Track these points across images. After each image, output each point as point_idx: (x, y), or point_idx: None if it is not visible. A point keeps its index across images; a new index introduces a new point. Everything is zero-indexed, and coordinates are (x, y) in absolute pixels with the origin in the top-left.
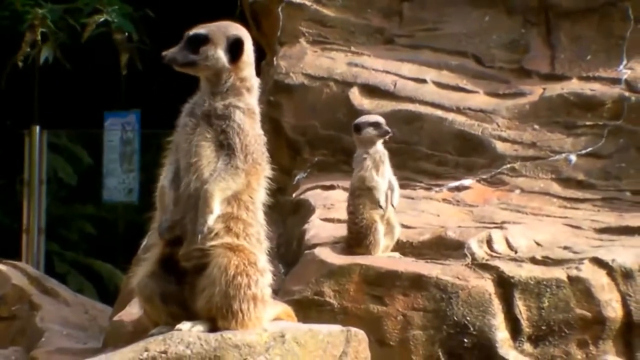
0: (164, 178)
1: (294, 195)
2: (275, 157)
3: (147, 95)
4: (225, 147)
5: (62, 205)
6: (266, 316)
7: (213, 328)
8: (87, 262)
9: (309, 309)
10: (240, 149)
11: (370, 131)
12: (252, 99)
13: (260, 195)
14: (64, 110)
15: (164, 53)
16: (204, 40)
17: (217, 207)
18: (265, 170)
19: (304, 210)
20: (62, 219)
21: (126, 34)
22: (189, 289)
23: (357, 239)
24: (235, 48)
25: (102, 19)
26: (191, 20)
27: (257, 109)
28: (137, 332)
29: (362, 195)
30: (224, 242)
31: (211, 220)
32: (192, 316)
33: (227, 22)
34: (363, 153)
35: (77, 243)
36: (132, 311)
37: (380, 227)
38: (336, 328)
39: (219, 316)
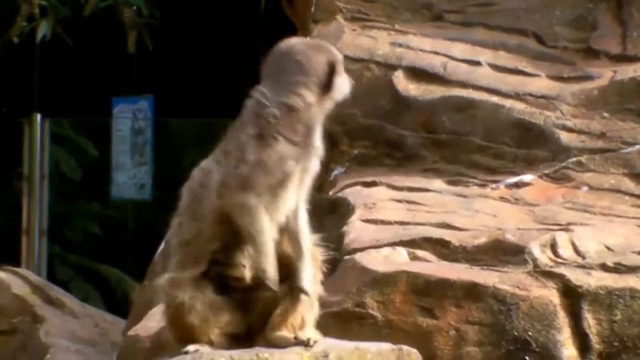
0: (267, 221)
1: (330, 193)
2: None
3: (161, 78)
4: (305, 184)
5: (65, 203)
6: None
7: None
8: (93, 267)
9: (349, 323)
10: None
11: None
12: None
13: None
14: (67, 95)
15: None
16: None
17: None
18: None
19: (342, 210)
20: (65, 218)
21: (134, 7)
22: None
23: None
24: None
25: None
26: None
27: None
28: (154, 348)
29: None
30: None
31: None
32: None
33: None
34: None
35: (81, 245)
36: (149, 324)
37: None
38: (386, 347)
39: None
